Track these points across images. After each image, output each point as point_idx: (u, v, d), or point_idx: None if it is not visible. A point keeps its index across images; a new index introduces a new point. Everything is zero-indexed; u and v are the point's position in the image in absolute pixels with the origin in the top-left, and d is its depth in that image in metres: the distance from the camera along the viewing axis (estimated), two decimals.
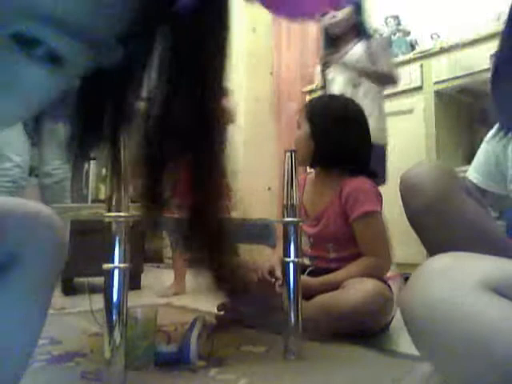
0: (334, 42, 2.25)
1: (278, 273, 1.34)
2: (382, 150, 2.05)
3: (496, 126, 1.07)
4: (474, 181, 1.14)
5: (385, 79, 2.11)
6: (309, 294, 1.29)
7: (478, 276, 0.61)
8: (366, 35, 2.18)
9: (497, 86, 0.98)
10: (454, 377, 0.67)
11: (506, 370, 0.57)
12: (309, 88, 3.30)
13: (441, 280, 0.64)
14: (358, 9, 2.20)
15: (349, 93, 2.12)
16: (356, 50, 2.15)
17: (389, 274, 1.96)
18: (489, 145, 1.10)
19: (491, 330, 0.58)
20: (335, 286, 1.33)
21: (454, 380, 0.67)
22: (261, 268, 1.42)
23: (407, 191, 1.11)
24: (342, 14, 2.17)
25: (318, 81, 2.31)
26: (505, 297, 0.60)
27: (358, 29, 2.19)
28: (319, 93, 2.33)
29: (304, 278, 1.27)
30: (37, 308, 0.65)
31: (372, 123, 2.01)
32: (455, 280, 0.62)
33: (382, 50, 2.14)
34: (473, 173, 1.15)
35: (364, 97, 2.10)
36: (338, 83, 2.18)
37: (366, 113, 2.00)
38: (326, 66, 2.26)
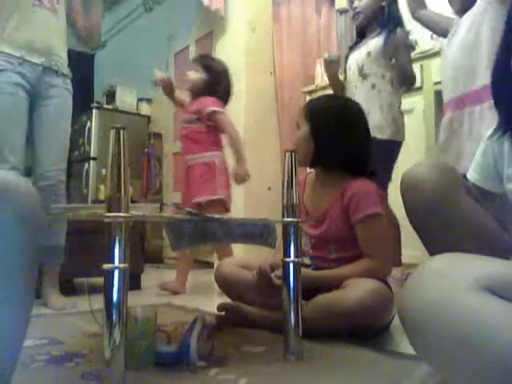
0: (361, 32, 2.24)
1: (278, 272, 1.34)
2: (386, 146, 2.03)
3: (495, 126, 1.08)
4: (472, 180, 1.14)
5: (407, 79, 2.10)
6: (307, 285, 1.28)
7: (474, 277, 0.62)
8: (391, 23, 2.11)
9: (494, 87, 0.98)
10: (451, 376, 0.67)
11: (503, 368, 0.57)
12: (309, 88, 3.30)
13: (438, 281, 0.64)
14: None
15: (356, 82, 2.12)
16: (371, 43, 2.12)
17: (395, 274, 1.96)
18: (486, 144, 1.10)
19: (487, 330, 0.58)
20: (333, 281, 1.34)
21: (452, 379, 0.67)
22: (262, 264, 1.42)
23: (408, 190, 1.11)
24: (363, 3, 2.14)
25: (336, 70, 2.27)
26: (500, 297, 0.60)
27: (382, 18, 2.14)
28: (325, 88, 2.35)
29: (304, 269, 1.27)
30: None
31: (374, 116, 2.02)
32: (452, 281, 0.63)
33: (403, 46, 2.09)
34: (471, 172, 1.15)
35: (371, 88, 2.09)
36: (352, 72, 2.17)
37: (370, 104, 2.01)
38: (348, 54, 2.26)
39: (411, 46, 2.28)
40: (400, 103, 2.16)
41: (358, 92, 2.11)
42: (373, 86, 2.09)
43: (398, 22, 2.13)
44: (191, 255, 2.46)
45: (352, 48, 2.27)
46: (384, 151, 1.97)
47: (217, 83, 2.40)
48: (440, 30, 1.96)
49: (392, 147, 2.08)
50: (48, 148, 1.90)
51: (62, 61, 1.96)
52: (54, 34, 1.93)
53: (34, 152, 1.91)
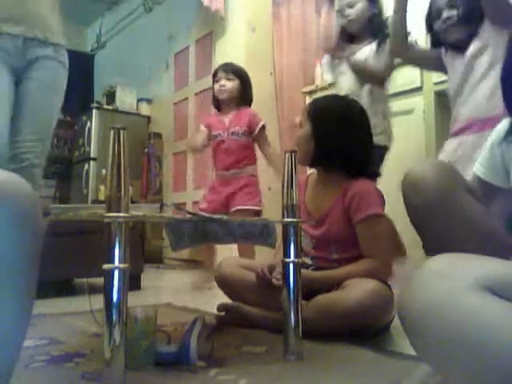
0: (350, 38, 2.23)
1: (278, 272, 1.34)
2: (379, 152, 2.05)
3: (503, 124, 1.08)
4: (478, 173, 1.14)
5: (372, 78, 2.10)
6: (308, 286, 1.28)
7: (475, 277, 0.62)
8: (382, 34, 2.13)
9: (506, 94, 0.98)
10: (451, 376, 0.67)
11: (502, 368, 0.57)
12: (309, 88, 3.30)
13: (438, 281, 0.64)
14: (374, 4, 2.15)
15: (354, 89, 2.11)
16: (365, 49, 2.13)
17: None
18: (494, 141, 1.10)
19: (487, 330, 0.58)
20: (334, 282, 1.34)
21: (452, 379, 0.67)
22: (261, 265, 1.42)
23: (409, 189, 1.12)
24: (356, 11, 2.14)
25: (325, 73, 2.29)
26: (501, 297, 0.60)
27: (373, 27, 2.15)
28: (325, 88, 2.34)
29: (304, 270, 1.27)
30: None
31: (373, 123, 2.03)
32: (452, 281, 0.63)
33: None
34: (478, 166, 1.15)
35: (368, 95, 2.10)
36: (347, 78, 2.17)
37: (368, 112, 2.01)
38: (336, 58, 2.26)
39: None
40: (389, 110, 2.17)
41: (359, 98, 2.11)
42: (370, 93, 2.10)
43: (387, 30, 2.15)
44: (212, 250, 2.55)
45: (338, 54, 2.25)
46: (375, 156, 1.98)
47: (249, 90, 2.51)
48: (431, 65, 1.96)
49: (382, 153, 2.08)
50: (26, 126, 1.68)
51: (49, 29, 1.76)
52: (38, 2, 1.74)
53: (12, 131, 1.68)
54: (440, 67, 1.86)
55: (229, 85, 2.44)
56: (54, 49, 1.77)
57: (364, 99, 2.06)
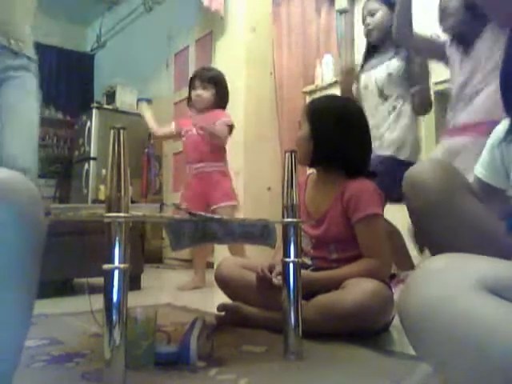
0: (373, 48, 2.20)
1: (278, 268, 1.33)
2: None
3: (502, 125, 1.08)
4: (479, 175, 1.14)
5: (425, 106, 2.07)
6: (309, 288, 1.28)
7: (475, 276, 0.62)
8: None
9: (504, 95, 0.98)
10: (451, 376, 0.67)
11: (501, 368, 0.57)
12: (309, 88, 3.30)
13: (438, 280, 0.64)
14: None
15: (376, 104, 2.09)
16: (396, 63, 2.07)
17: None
18: (494, 141, 1.10)
19: (487, 329, 0.58)
20: (334, 282, 1.33)
21: (452, 379, 0.67)
22: (261, 265, 1.42)
23: (410, 189, 1.11)
24: (376, 20, 2.11)
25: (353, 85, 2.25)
26: (501, 297, 0.60)
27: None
28: (324, 88, 2.32)
29: (304, 271, 1.27)
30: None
31: (394, 136, 2.02)
32: (452, 280, 0.63)
33: (425, 68, 2.06)
34: (478, 167, 1.15)
35: (392, 109, 2.07)
36: (371, 93, 2.15)
37: (390, 125, 2.01)
38: (361, 71, 2.23)
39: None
40: (417, 126, 2.14)
41: (378, 113, 2.08)
42: (393, 108, 2.07)
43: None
44: (205, 253, 2.62)
45: (363, 66, 2.23)
46: (400, 171, 1.95)
47: (224, 95, 2.54)
48: (433, 55, 1.94)
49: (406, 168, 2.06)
50: (10, 136, 1.64)
51: (24, 41, 1.72)
52: (14, 10, 1.69)
53: None
54: (442, 57, 1.85)
55: (205, 95, 2.48)
56: (27, 62, 1.73)
57: (384, 114, 2.05)
